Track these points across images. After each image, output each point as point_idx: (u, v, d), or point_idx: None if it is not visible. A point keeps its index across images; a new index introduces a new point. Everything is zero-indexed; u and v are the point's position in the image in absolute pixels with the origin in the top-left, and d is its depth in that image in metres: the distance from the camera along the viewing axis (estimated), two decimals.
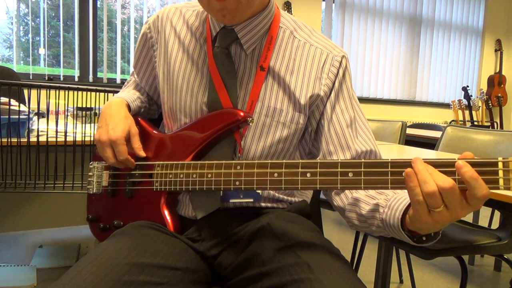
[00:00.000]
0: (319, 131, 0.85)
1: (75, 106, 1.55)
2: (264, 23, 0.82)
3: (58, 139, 1.50)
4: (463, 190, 0.55)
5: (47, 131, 1.49)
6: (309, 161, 0.66)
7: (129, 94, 0.93)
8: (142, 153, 0.84)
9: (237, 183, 0.71)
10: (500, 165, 0.54)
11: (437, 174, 0.55)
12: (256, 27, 0.81)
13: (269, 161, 0.69)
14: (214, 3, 0.72)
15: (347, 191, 0.79)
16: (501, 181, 0.54)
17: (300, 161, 0.66)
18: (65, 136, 1.53)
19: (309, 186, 0.66)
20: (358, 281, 0.67)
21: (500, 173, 0.54)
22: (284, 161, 0.68)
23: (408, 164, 0.59)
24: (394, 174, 0.60)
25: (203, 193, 0.79)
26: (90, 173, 0.89)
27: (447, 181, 0.54)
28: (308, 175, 0.65)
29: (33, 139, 1.48)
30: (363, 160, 0.62)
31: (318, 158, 0.85)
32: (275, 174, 0.68)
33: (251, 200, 0.77)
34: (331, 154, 0.82)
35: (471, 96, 4.45)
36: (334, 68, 0.82)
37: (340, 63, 0.83)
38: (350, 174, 0.62)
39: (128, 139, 0.83)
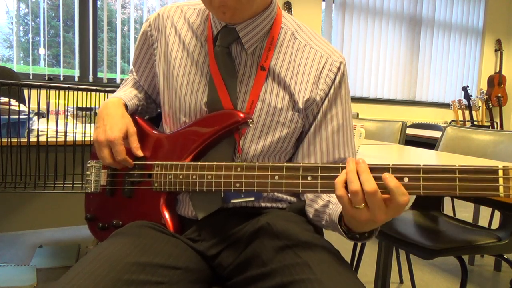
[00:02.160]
0: (307, 132, 0.86)
1: (75, 106, 1.55)
2: (265, 23, 0.82)
3: (58, 139, 1.50)
4: (386, 197, 0.60)
5: (47, 131, 1.49)
6: (310, 164, 0.66)
7: (126, 93, 0.92)
8: (140, 153, 0.83)
9: (237, 185, 0.71)
10: (501, 172, 0.56)
11: (366, 176, 0.60)
12: (257, 27, 0.81)
13: (270, 164, 0.69)
14: (215, 0, 0.73)
15: None
16: (501, 189, 0.56)
17: (301, 164, 0.66)
18: (65, 136, 1.53)
19: (309, 190, 0.66)
20: (358, 281, 0.67)
21: (500, 180, 0.56)
22: (285, 164, 0.68)
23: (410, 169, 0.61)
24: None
25: (204, 194, 0.79)
26: (88, 172, 0.89)
27: (371, 185, 0.60)
28: (309, 178, 0.66)
29: (33, 139, 1.48)
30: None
31: (296, 158, 0.87)
32: (276, 177, 0.68)
33: (252, 198, 0.77)
34: (309, 155, 0.85)
35: (471, 96, 4.44)
36: (332, 73, 0.83)
37: (338, 68, 0.83)
38: None
39: (126, 139, 0.83)
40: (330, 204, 0.77)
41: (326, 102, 0.83)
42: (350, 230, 0.70)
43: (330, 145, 0.84)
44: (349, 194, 0.62)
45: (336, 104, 0.84)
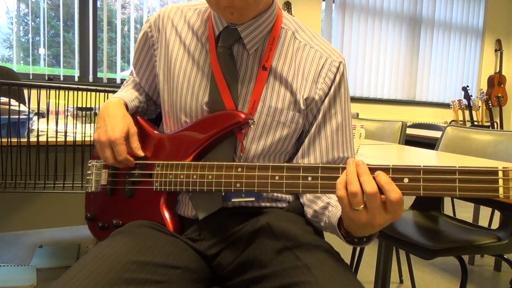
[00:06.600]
0: (308, 131, 0.86)
1: (75, 106, 1.55)
2: (267, 23, 0.82)
3: (58, 139, 1.50)
4: (383, 198, 0.60)
5: (47, 131, 1.49)
6: (311, 165, 0.66)
7: (127, 94, 0.92)
8: (141, 153, 0.84)
9: (238, 185, 0.71)
10: (500, 174, 0.56)
11: (366, 177, 0.60)
12: (259, 27, 0.81)
13: (271, 164, 0.69)
14: (222, 1, 0.73)
15: None
16: (501, 190, 0.56)
17: (302, 164, 0.67)
18: (65, 136, 1.53)
19: (310, 190, 0.66)
20: (358, 284, 0.67)
21: (500, 181, 0.56)
22: (285, 164, 0.68)
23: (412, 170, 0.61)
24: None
25: (204, 193, 0.79)
26: (88, 172, 0.89)
27: (371, 187, 0.59)
28: (309, 178, 0.66)
29: (33, 139, 1.48)
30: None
31: (296, 156, 0.87)
32: (276, 177, 0.68)
33: (253, 199, 0.77)
34: (309, 154, 0.85)
35: (471, 96, 4.44)
36: (331, 73, 0.83)
37: (338, 68, 0.84)
38: None
39: (127, 139, 0.83)
40: (329, 207, 0.77)
41: (326, 101, 0.83)
42: (349, 234, 0.70)
43: (330, 144, 0.84)
44: (348, 195, 0.62)
45: (335, 103, 0.84)
